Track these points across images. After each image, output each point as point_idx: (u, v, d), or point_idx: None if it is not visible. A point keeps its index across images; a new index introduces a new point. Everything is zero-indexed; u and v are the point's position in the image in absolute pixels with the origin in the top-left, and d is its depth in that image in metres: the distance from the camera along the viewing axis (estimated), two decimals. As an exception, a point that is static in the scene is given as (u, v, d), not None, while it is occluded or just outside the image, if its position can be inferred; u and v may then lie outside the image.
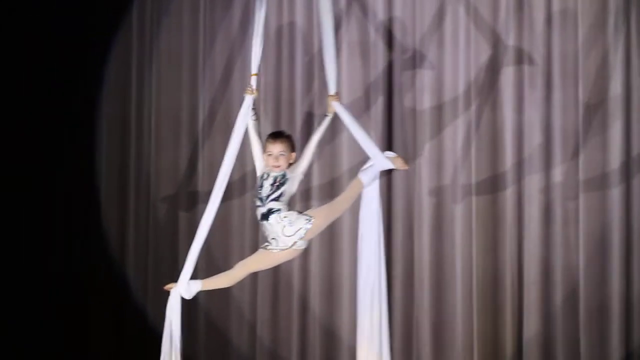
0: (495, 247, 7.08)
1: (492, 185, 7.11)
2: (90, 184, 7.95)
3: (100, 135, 7.99)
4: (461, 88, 7.15)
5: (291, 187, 6.05)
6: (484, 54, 7.10)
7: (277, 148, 6.06)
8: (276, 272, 7.38)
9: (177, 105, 7.87)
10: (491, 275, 7.07)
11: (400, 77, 7.28)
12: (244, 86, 7.37)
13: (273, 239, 6.01)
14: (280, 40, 7.60)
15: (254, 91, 6.13)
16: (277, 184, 6.03)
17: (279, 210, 5.99)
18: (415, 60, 7.26)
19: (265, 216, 6.00)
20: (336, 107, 6.15)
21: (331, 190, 7.29)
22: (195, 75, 7.83)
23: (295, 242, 6.00)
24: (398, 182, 7.28)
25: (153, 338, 7.53)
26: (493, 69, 7.09)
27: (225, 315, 7.57)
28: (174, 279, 7.50)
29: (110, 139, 7.99)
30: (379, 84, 7.34)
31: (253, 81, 6.13)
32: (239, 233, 7.63)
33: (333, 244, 7.35)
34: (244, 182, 7.58)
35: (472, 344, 7.06)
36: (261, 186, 6.06)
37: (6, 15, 7.82)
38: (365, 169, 6.21)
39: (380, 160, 6.18)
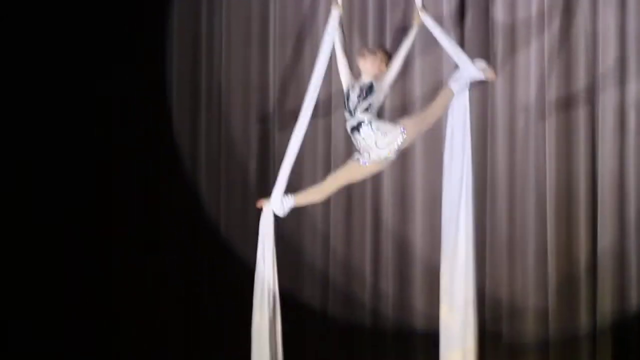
0: (569, 157, 7.07)
1: (565, 95, 7.07)
2: (162, 98, 7.85)
3: (170, 50, 7.86)
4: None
5: (378, 97, 6.01)
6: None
7: (370, 51, 6.07)
8: (348, 185, 7.32)
9: (248, 16, 7.72)
10: (565, 186, 7.06)
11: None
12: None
13: (366, 151, 5.98)
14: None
15: (340, 5, 6.06)
16: (364, 94, 5.97)
17: (370, 122, 5.95)
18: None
19: (356, 128, 5.97)
20: (424, 18, 6.09)
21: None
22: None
23: (388, 154, 5.97)
24: (471, 94, 7.21)
25: (226, 254, 7.63)
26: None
27: (298, 229, 7.54)
28: (246, 193, 7.55)
29: (180, 53, 7.85)
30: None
31: None
32: (310, 151, 7.54)
33: (405, 155, 7.26)
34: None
35: (546, 255, 7.07)
36: (348, 98, 6.02)
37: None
38: (455, 78, 6.16)
39: (471, 69, 6.13)
